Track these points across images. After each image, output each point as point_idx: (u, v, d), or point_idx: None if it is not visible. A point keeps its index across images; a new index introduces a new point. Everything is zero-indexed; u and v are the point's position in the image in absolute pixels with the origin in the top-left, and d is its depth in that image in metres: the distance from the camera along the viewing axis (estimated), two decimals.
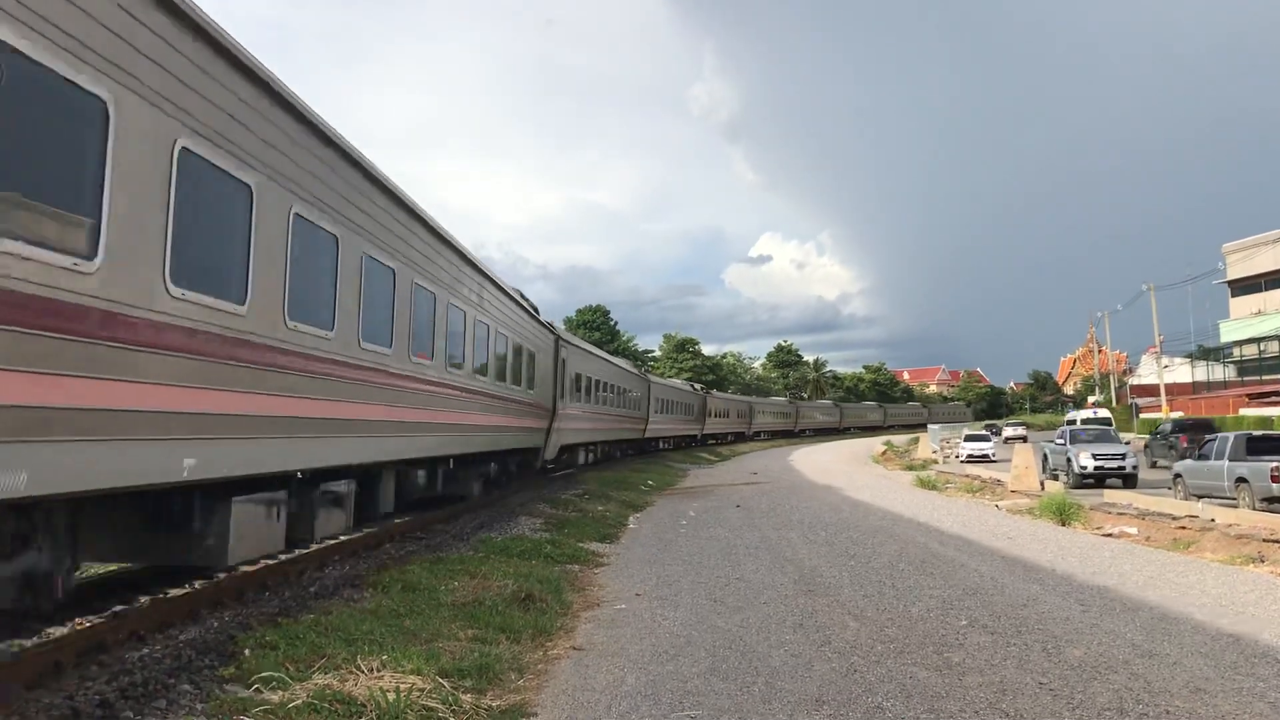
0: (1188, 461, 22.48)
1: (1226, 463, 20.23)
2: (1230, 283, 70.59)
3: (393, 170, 11.39)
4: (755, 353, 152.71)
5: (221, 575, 9.58)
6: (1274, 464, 18.63)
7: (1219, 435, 21.96)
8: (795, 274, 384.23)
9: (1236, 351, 72.44)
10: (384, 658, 6.84)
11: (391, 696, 5.88)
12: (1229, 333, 71.69)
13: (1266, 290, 67.93)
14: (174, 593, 9.02)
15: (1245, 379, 69.23)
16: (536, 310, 22.72)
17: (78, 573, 7.85)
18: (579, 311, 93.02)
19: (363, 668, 6.56)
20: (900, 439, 78.48)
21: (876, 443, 74.00)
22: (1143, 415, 71.60)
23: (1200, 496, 20.65)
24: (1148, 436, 44.63)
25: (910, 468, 40.64)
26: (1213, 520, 16.65)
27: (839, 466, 43.20)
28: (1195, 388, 75.99)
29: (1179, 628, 8.87)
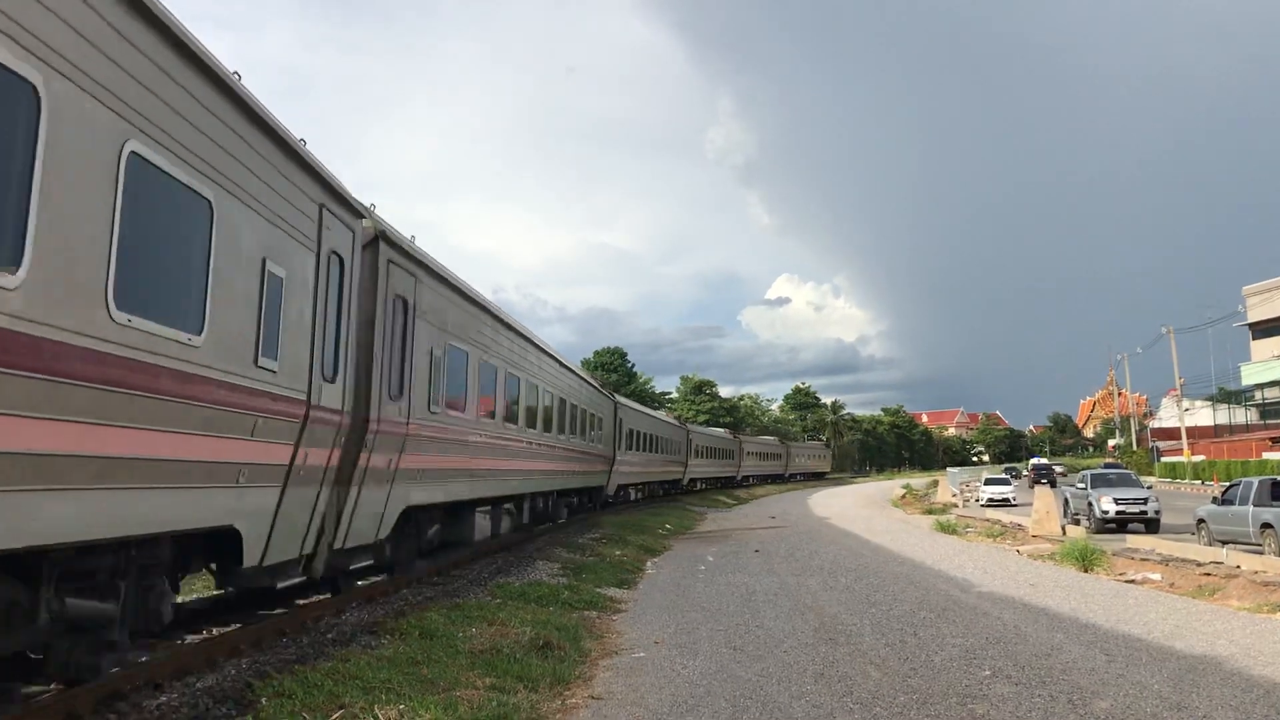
0: (1211, 506, 22.18)
1: (1251, 508, 19.96)
2: (1251, 325, 70.23)
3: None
4: (773, 395, 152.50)
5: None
6: None
7: (1243, 480, 21.66)
8: (813, 316, 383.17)
9: (1258, 394, 71.90)
10: (401, 707, 6.80)
11: None
12: (1250, 375, 71.20)
13: None
14: (191, 639, 9.02)
15: (1268, 422, 68.63)
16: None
17: None
18: (596, 353, 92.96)
19: (380, 717, 6.53)
20: (919, 481, 77.69)
21: (895, 486, 73.42)
22: (1164, 459, 70.94)
23: (1224, 542, 20.36)
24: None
25: (930, 511, 40.27)
26: (1238, 567, 16.39)
27: (858, 510, 42.87)
28: (1217, 431, 75.42)
29: (1207, 679, 8.72)
